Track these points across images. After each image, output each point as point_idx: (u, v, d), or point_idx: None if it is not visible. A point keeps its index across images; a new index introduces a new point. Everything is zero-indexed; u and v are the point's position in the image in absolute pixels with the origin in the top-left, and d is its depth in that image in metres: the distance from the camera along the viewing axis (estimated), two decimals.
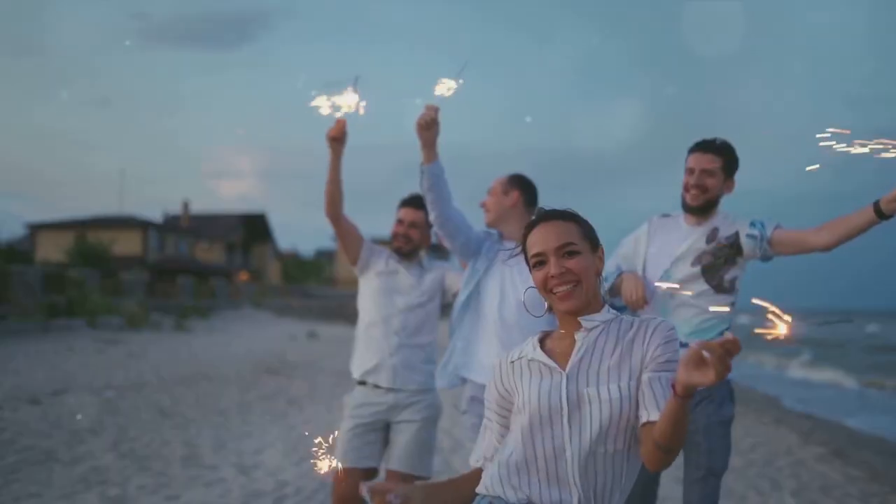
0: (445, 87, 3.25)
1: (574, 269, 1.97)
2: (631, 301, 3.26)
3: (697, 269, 3.21)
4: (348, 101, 3.49)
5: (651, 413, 1.90)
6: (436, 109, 3.35)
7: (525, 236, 2.06)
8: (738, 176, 3.32)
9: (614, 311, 2.04)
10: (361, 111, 3.52)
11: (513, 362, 2.07)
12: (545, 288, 1.99)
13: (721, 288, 3.21)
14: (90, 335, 18.50)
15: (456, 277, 3.84)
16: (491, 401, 2.10)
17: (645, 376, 1.93)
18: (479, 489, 2.04)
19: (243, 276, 51.15)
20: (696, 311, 3.20)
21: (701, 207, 3.29)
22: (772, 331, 1.64)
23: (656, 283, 3.27)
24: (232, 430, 8.16)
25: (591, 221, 2.09)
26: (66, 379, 11.57)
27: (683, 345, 3.11)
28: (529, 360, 2.03)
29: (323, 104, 3.48)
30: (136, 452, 6.85)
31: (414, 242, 3.90)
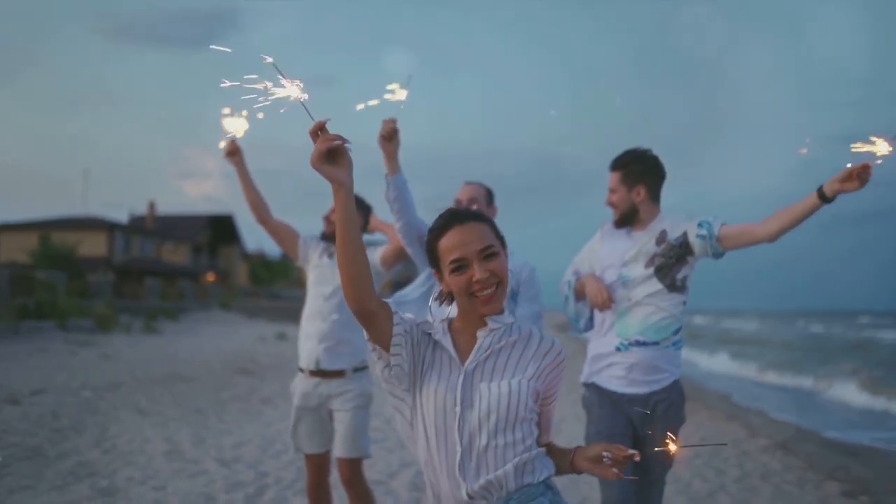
0: (395, 95, 3.28)
1: (496, 271, 1.96)
2: (598, 302, 3.40)
3: (651, 270, 3.36)
4: (236, 125, 3.69)
5: (543, 439, 2.10)
6: (394, 121, 3.44)
7: (434, 240, 2.00)
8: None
9: (512, 317, 2.07)
10: (241, 134, 3.78)
11: (423, 329, 2.03)
12: (467, 292, 1.96)
13: (673, 287, 3.36)
14: (61, 337, 18.60)
15: (378, 251, 4.10)
16: (399, 336, 1.96)
17: (543, 407, 2.05)
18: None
19: (210, 278, 51.04)
20: (652, 309, 3.35)
21: (620, 222, 3.47)
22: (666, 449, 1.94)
23: (610, 281, 3.44)
24: (210, 427, 8.51)
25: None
26: (43, 380, 11.79)
27: (642, 343, 3.36)
28: (436, 342, 2.01)
29: (226, 125, 3.70)
30: (119, 448, 7.18)
31: None
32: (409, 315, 2.03)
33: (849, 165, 2.90)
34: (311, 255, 4.20)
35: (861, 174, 2.88)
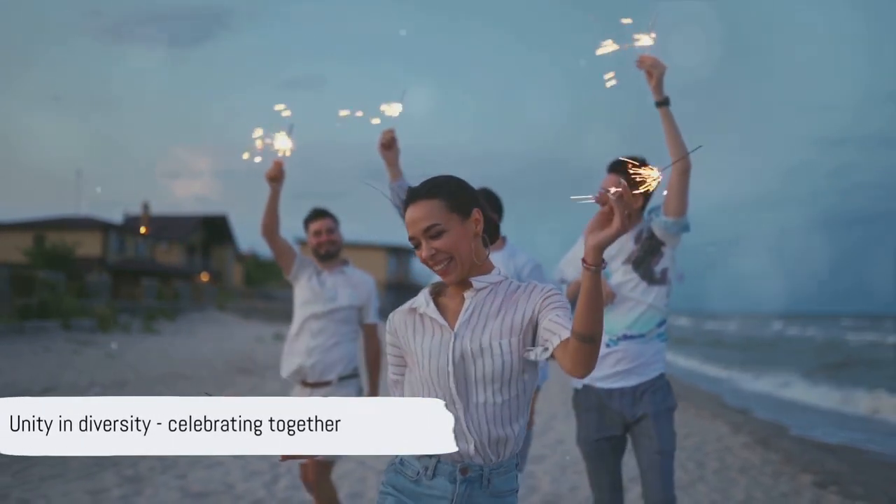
0: (392, 110, 3.51)
1: (443, 248, 2.03)
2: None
3: (629, 265, 3.50)
4: (282, 145, 3.85)
5: (562, 333, 1.96)
6: (392, 130, 3.67)
7: (404, 216, 2.14)
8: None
9: (503, 274, 2.13)
10: (289, 153, 3.92)
11: (406, 312, 2.14)
12: (427, 265, 2.07)
13: (653, 280, 3.48)
14: (63, 337, 18.97)
15: (373, 309, 4.44)
16: (392, 353, 2.18)
17: (545, 319, 2.01)
18: None
19: (204, 278, 51.29)
20: (633, 303, 3.48)
21: None
22: None
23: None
24: None
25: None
26: (51, 378, 12.20)
27: (629, 337, 3.46)
28: (422, 315, 2.11)
29: (258, 141, 3.83)
30: None
31: (338, 244, 4.39)
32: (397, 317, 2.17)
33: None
34: (301, 274, 4.38)
35: (645, 65, 3.35)
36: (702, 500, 5.92)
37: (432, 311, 2.08)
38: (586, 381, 3.56)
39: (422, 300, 2.12)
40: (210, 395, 1.90)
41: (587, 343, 1.88)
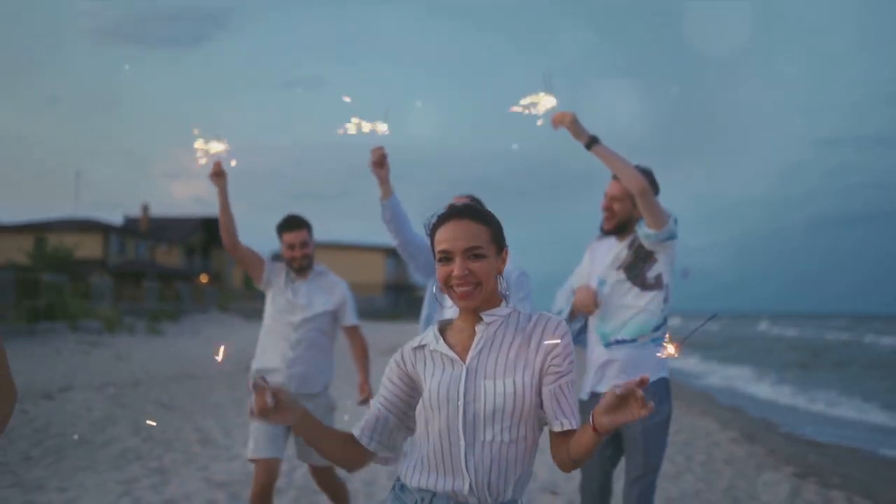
0: (380, 128, 3.54)
1: (477, 272, 1.99)
2: (586, 304, 3.60)
3: (621, 272, 3.59)
4: (216, 148, 3.99)
5: (565, 422, 1.97)
6: (382, 147, 3.74)
7: (434, 227, 2.06)
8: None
9: (512, 306, 2.09)
10: (225, 154, 4.02)
11: (415, 349, 2.10)
12: (446, 283, 2.01)
13: (645, 285, 3.55)
14: (72, 338, 19.37)
15: (350, 310, 4.45)
16: (392, 378, 2.12)
17: (547, 388, 1.98)
18: (399, 473, 2.11)
19: (203, 280, 51.66)
20: (624, 308, 3.56)
21: (613, 230, 3.64)
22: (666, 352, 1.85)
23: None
24: (231, 419, 9.36)
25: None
26: (66, 378, 12.61)
27: (621, 341, 3.54)
28: (432, 351, 2.06)
29: (202, 147, 3.98)
30: (156, 437, 8.03)
31: (310, 256, 4.37)
32: (392, 369, 2.14)
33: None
34: (274, 280, 4.37)
35: (556, 123, 3.49)
36: (687, 489, 6.37)
37: (443, 346, 2.05)
38: (590, 389, 3.66)
39: (430, 337, 2.09)
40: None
41: (576, 464, 1.98)
